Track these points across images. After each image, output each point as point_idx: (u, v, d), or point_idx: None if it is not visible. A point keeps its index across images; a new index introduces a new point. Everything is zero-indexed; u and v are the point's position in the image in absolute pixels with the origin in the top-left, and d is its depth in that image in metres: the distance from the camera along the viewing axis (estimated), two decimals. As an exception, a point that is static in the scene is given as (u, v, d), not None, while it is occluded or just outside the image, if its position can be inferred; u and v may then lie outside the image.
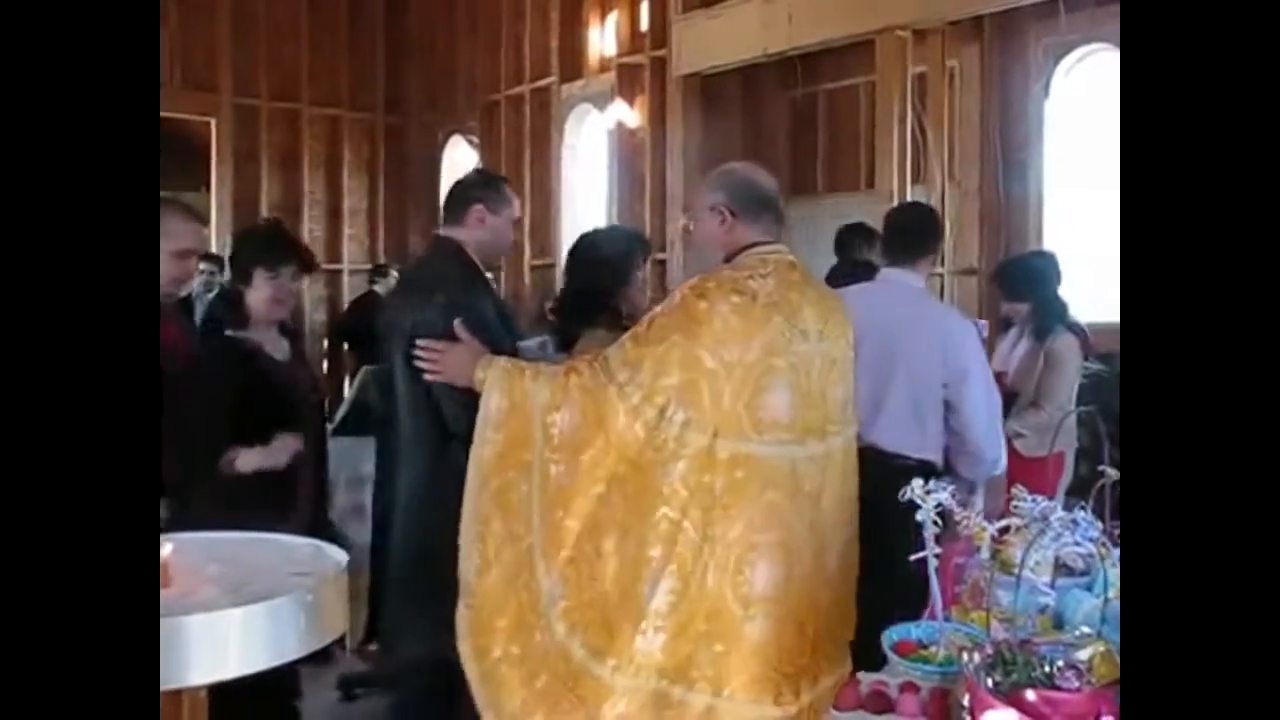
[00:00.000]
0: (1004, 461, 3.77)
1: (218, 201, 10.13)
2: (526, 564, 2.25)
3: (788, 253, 2.40)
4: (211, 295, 7.52)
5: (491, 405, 2.33)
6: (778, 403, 2.21)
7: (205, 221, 2.89)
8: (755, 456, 2.18)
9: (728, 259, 2.37)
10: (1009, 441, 3.88)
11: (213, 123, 10.05)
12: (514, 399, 2.32)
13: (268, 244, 2.96)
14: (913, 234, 3.36)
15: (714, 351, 2.17)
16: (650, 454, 2.17)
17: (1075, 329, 4.37)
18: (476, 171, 3.40)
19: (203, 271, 7.38)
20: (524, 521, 2.28)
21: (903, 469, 2.99)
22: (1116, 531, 2.06)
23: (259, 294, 2.86)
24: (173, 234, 2.62)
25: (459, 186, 3.02)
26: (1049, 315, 4.08)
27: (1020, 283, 4.20)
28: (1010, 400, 3.95)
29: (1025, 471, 3.66)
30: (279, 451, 2.71)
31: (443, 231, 2.96)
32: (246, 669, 1.22)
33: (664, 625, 2.14)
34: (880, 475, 2.77)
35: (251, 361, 2.84)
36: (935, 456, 3.20)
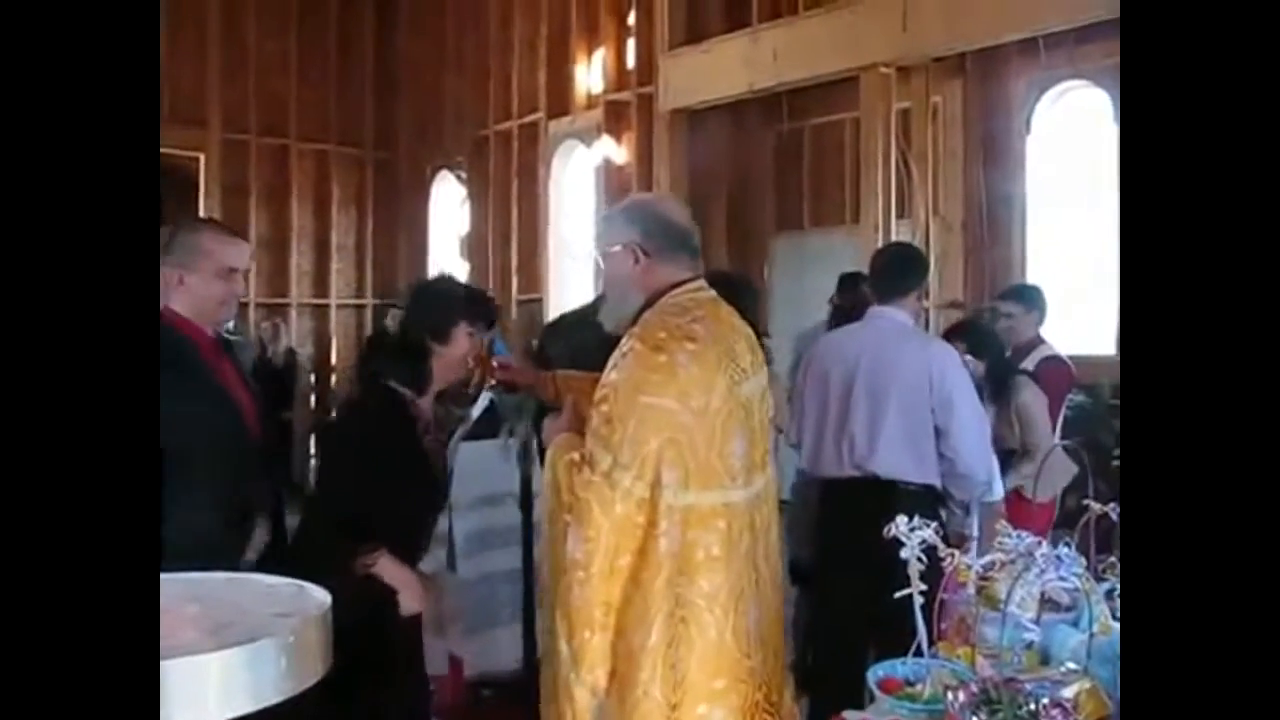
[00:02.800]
0: (999, 488, 3.83)
1: (205, 236, 10.13)
2: (565, 690, 2.17)
3: (709, 288, 2.32)
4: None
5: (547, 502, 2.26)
6: (738, 447, 2.17)
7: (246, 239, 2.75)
8: (732, 505, 2.16)
9: (650, 301, 2.25)
10: (1017, 489, 3.95)
11: (201, 158, 10.10)
12: (549, 508, 2.23)
13: (471, 297, 2.83)
14: (898, 273, 3.51)
15: (684, 404, 2.10)
16: (649, 528, 2.10)
17: (1058, 361, 4.42)
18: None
19: None
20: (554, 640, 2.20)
21: (905, 494, 3.16)
22: (1102, 566, 2.07)
23: (456, 351, 2.68)
24: (212, 253, 2.55)
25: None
26: (1001, 375, 4.14)
27: (977, 342, 4.27)
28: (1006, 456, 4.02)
29: (1027, 516, 3.69)
30: (416, 599, 2.62)
31: None
32: (227, 713, 1.21)
33: (681, 692, 2.12)
34: (883, 503, 2.87)
35: (416, 436, 2.68)
36: (935, 480, 3.31)
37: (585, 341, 3.02)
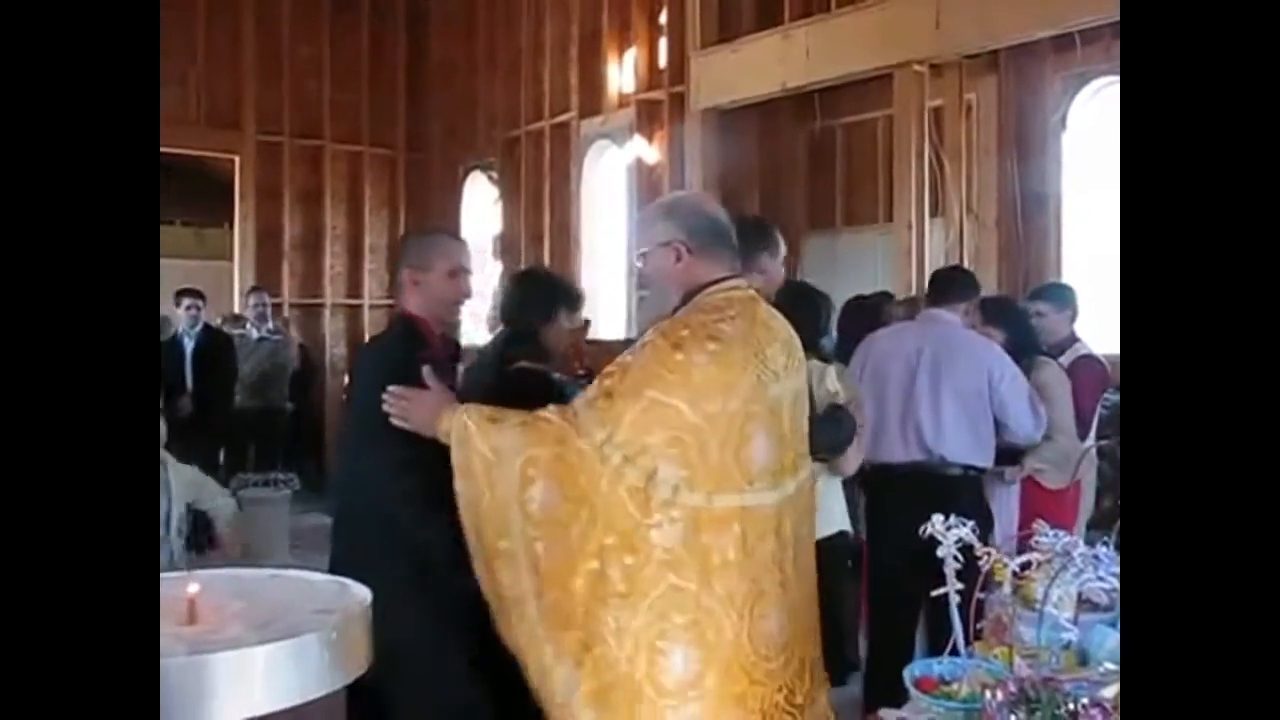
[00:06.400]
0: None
1: (240, 237, 10.27)
2: (534, 649, 2.14)
3: (747, 286, 2.30)
4: (198, 329, 7.45)
5: (456, 468, 2.18)
6: (761, 450, 2.13)
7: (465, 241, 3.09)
8: (749, 508, 2.12)
9: (686, 298, 2.23)
10: (1030, 477, 3.96)
11: (237, 159, 10.21)
12: (473, 467, 2.16)
13: (569, 287, 3.32)
14: (951, 284, 4.05)
15: (694, 405, 2.06)
16: (639, 518, 2.06)
17: (1092, 360, 4.38)
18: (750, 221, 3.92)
19: (189, 308, 7.41)
20: (518, 608, 2.16)
21: (964, 478, 3.68)
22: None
23: (560, 333, 3.08)
24: (446, 253, 2.77)
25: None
26: (1022, 347, 4.13)
27: (995, 313, 4.26)
28: None
29: (1046, 503, 3.72)
30: None
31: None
32: (271, 706, 1.23)
33: (697, 694, 2.08)
34: (951, 485, 3.58)
35: None
36: (990, 463, 3.79)
37: None
